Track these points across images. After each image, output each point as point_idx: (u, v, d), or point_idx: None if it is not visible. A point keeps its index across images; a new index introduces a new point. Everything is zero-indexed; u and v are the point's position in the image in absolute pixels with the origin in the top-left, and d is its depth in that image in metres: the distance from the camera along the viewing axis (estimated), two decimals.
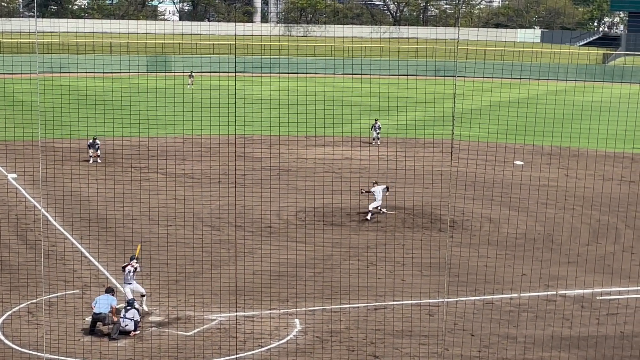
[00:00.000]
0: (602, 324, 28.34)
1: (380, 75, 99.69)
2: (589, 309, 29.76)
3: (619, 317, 29.04)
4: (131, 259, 28.46)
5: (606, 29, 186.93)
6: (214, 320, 27.82)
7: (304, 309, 28.88)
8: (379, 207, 41.34)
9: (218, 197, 43.74)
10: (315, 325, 27.58)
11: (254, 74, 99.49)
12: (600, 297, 30.96)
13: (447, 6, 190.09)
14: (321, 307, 29.10)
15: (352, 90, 66.20)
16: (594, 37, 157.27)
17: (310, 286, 30.57)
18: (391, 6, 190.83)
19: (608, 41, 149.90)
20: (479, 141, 59.37)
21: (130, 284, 28.05)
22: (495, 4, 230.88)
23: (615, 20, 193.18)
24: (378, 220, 40.94)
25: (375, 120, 63.09)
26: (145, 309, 28.23)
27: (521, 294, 30.95)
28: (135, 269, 28.19)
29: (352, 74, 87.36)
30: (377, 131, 62.66)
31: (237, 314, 27.82)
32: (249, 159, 52.36)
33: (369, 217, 40.90)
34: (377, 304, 29.55)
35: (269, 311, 28.61)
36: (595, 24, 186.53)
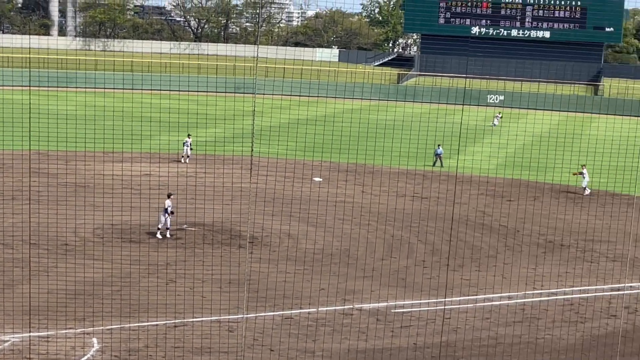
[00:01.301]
0: (396, 336, 29.24)
1: (179, 91, 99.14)
2: (384, 322, 30.65)
3: (412, 329, 30.03)
4: None
5: (400, 50, 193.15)
6: (7, 341, 26.89)
7: (102, 327, 28.35)
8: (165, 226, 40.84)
9: (11, 214, 42.33)
10: (113, 344, 27.11)
11: (50, 88, 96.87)
12: (395, 310, 31.94)
13: (248, 24, 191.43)
14: (120, 326, 28.65)
15: (151, 106, 65.59)
16: (389, 58, 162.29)
17: (108, 304, 30.03)
18: (192, 22, 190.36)
19: (402, 62, 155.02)
20: (279, 158, 60.12)
21: None
22: (294, 23, 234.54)
23: (409, 41, 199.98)
24: (178, 237, 40.71)
25: (188, 135, 62.43)
26: None
27: (319, 309, 31.52)
28: None
29: (151, 90, 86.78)
30: (188, 147, 61.71)
31: (32, 334, 26.98)
32: (44, 175, 50.94)
33: (168, 234, 40.61)
34: (176, 321, 29.36)
35: (65, 331, 27.91)
36: (391, 44, 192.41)
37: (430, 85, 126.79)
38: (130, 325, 28.84)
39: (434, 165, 65.80)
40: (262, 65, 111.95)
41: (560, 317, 31.96)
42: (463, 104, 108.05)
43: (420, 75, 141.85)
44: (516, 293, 34.59)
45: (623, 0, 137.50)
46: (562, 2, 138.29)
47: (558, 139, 79.79)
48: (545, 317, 32.02)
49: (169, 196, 40.83)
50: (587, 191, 56.95)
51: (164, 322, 29.25)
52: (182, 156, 62.00)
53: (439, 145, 66.40)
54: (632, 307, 33.63)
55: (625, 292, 35.45)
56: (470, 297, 33.93)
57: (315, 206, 45.39)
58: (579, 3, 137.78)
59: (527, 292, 34.77)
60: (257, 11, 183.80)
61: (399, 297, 33.33)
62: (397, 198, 50.46)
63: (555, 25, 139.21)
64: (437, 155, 66.27)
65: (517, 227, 45.88)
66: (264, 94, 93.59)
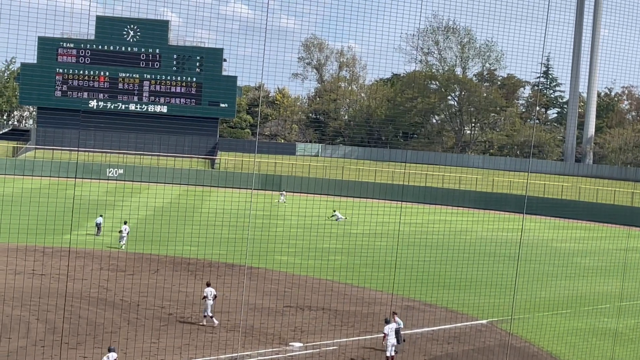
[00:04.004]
0: None
1: None
2: None
3: None
4: None
5: (16, 123, 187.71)
6: None
7: None
8: None
9: None
10: None
11: None
12: None
13: None
14: None
15: None
16: (4, 130, 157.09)
17: None
18: None
19: (18, 135, 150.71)
20: None
21: None
22: None
23: (25, 114, 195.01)
24: None
25: None
26: None
27: None
28: None
29: None
30: None
31: None
32: None
33: None
34: None
35: None
36: (5, 117, 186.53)
37: (48, 159, 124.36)
38: None
39: (97, 235, 68.67)
40: None
41: None
42: (75, 178, 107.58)
43: (37, 148, 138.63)
44: None
45: (236, 77, 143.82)
46: (179, 78, 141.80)
47: (179, 212, 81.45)
48: None
49: None
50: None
51: None
52: None
53: (100, 215, 70.76)
54: None
55: None
56: None
57: None
58: (194, 79, 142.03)
59: None
60: None
61: None
62: (15, 275, 48.80)
63: (173, 100, 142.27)
64: (97, 225, 69.53)
65: (139, 301, 45.94)
66: None
